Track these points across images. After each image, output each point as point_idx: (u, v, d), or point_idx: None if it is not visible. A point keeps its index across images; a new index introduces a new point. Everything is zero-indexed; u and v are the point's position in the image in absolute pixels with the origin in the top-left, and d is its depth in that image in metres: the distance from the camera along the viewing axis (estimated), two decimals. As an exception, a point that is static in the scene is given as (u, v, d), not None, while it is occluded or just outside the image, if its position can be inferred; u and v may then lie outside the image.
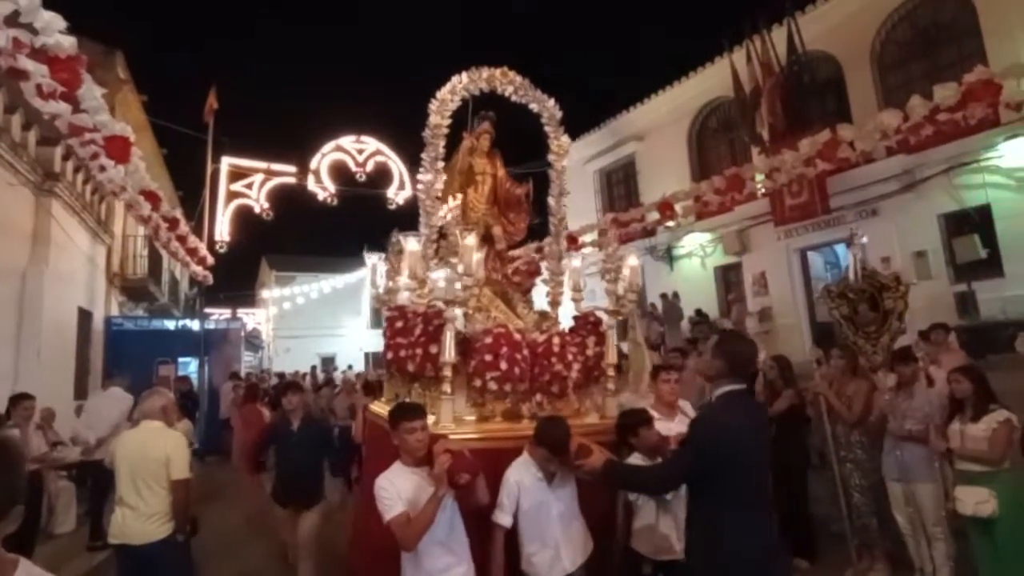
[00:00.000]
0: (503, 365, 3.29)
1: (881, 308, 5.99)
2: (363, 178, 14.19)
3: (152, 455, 3.55)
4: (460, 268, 3.36)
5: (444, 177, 4.19)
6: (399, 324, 3.84)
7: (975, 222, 9.09)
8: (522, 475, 2.87)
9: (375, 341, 29.01)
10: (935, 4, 10.16)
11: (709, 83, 13.60)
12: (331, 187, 13.77)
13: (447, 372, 3.22)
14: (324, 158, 13.77)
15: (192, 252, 9.69)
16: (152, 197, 6.69)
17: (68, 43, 3.76)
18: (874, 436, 4.74)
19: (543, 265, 4.74)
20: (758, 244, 12.65)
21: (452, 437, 2.95)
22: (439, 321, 3.42)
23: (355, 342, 28.77)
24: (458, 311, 3.36)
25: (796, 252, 12.12)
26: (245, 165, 13.33)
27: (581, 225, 12.77)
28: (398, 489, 2.60)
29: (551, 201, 4.61)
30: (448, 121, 4.10)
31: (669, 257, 14.62)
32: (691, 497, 2.53)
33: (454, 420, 3.26)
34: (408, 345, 3.64)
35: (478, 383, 3.34)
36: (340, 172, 13.96)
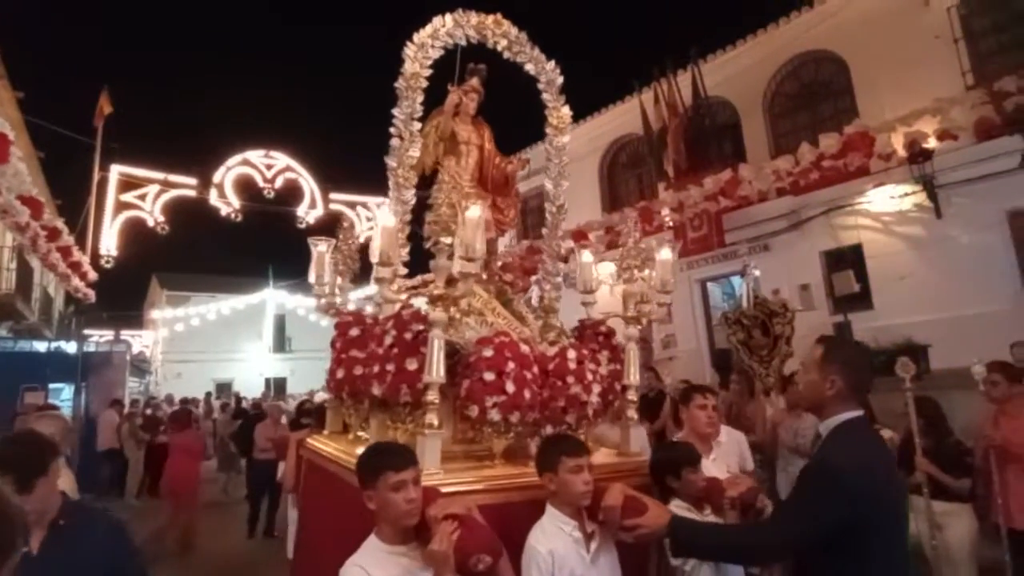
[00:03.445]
0: (509, 387, 2.48)
1: (772, 333, 6.51)
2: (271, 195, 13.66)
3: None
4: (459, 250, 2.46)
5: (419, 141, 3.37)
6: (354, 332, 2.99)
7: (849, 259, 10.08)
8: (554, 541, 2.11)
9: (278, 367, 27.59)
10: (816, 63, 11.33)
11: (620, 120, 14.31)
12: (235, 203, 13.11)
13: (433, 397, 2.40)
14: (229, 172, 13.13)
15: (74, 266, 8.81)
16: (33, 204, 6.05)
17: (-59, 27, 3.34)
18: (770, 455, 5.08)
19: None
20: (663, 274, 13.32)
21: (446, 491, 2.18)
22: (420, 327, 2.54)
23: (255, 368, 27.17)
24: (442, 314, 2.47)
25: (697, 283, 12.85)
26: (138, 175, 12.42)
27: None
28: None
29: (548, 185, 3.80)
30: (428, 72, 3.35)
31: (580, 284, 15.07)
32: (814, 564, 1.87)
33: (443, 464, 2.43)
34: (371, 359, 2.73)
35: (474, 412, 2.50)
36: (246, 187, 13.36)
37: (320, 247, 3.46)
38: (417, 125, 3.31)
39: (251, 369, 27.08)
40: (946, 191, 8.82)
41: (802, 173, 6.60)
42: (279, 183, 13.62)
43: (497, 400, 2.48)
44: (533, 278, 3.90)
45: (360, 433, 3.18)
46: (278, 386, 25.85)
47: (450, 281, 2.68)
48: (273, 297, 26.21)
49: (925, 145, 8.03)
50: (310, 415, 8.06)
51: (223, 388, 24.99)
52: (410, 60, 3.29)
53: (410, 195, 3.29)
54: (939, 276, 8.76)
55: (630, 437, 2.99)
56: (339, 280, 3.64)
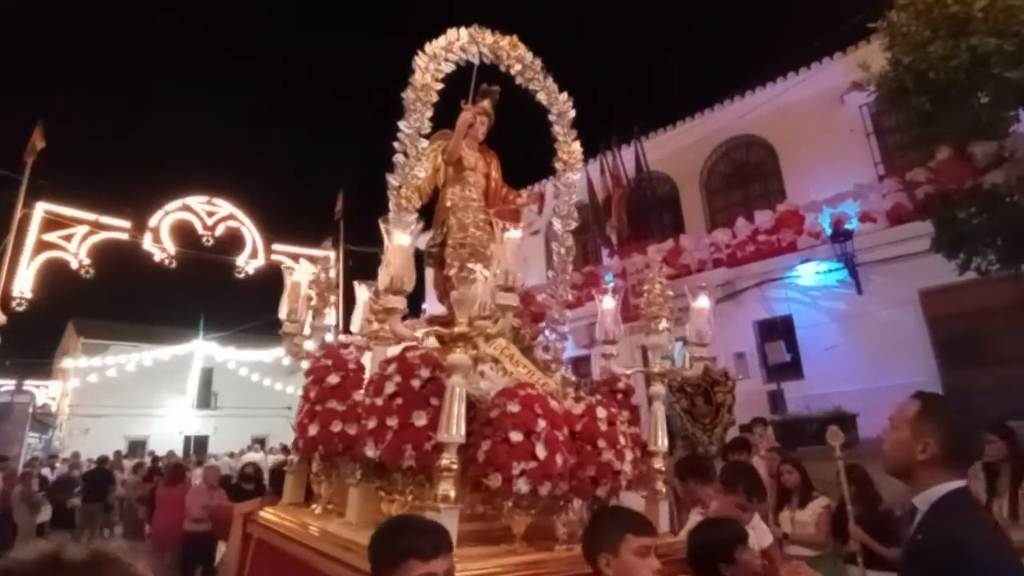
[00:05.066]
0: (540, 451, 2.03)
1: (714, 402, 6.65)
2: (210, 242, 13.24)
3: None
4: (492, 278, 2.09)
5: (424, 160, 3.01)
6: (333, 380, 2.51)
7: (781, 329, 10.57)
8: None
9: (199, 424, 25.86)
10: (747, 146, 12.25)
11: (566, 188, 14.88)
12: (171, 248, 12.60)
13: (449, 460, 1.96)
14: (167, 216, 12.71)
15: (-18, 307, 8.13)
16: (-60, 238, 5.58)
17: None
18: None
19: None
20: (605, 338, 13.56)
21: None
22: (432, 373, 2.11)
23: (175, 424, 25.35)
24: (464, 356, 2.05)
25: (638, 348, 13.13)
26: (66, 214, 11.82)
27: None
28: None
29: (556, 224, 3.45)
30: (440, 85, 3.02)
31: (524, 347, 15.12)
32: None
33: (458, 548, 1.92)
34: (360, 411, 2.26)
35: (496, 481, 2.03)
36: (184, 233, 12.91)
37: (297, 275, 2.92)
38: (424, 143, 2.96)
39: (170, 426, 25.21)
40: (865, 270, 9.50)
41: (739, 245, 7.04)
42: (220, 231, 13.27)
43: (526, 467, 2.00)
44: (541, 325, 3.50)
45: (331, 506, 2.64)
46: (199, 445, 24.14)
47: (448, 323, 2.30)
48: (202, 349, 24.86)
49: (847, 226, 8.68)
50: (251, 480, 7.54)
51: (136, 446, 23.10)
52: (420, 71, 2.96)
53: (412, 219, 2.82)
54: (862, 348, 9.30)
55: (658, 513, 2.55)
56: (311, 318, 3.05)
